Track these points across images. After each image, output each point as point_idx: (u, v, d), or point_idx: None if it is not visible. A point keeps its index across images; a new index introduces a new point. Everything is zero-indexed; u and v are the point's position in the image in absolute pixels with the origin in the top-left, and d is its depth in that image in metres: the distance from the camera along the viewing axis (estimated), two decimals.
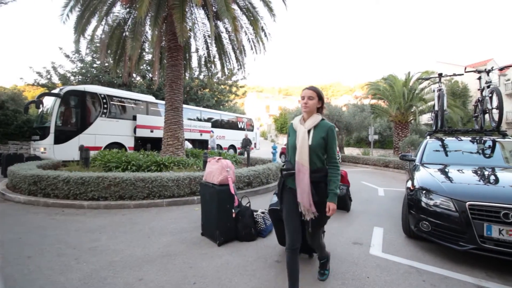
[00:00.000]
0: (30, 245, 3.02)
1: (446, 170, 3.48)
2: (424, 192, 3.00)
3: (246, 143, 14.72)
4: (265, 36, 9.53)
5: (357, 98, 22.48)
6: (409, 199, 3.20)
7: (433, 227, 2.78)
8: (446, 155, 4.29)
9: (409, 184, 3.40)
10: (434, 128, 5.45)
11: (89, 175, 4.78)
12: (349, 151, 23.50)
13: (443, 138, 4.73)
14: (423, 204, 2.94)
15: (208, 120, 15.57)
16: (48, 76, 16.60)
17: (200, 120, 15.03)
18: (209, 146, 13.75)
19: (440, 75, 5.21)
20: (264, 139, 44.11)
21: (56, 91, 10.12)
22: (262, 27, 9.28)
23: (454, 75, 5.22)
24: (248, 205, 3.54)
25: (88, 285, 2.20)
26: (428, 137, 4.83)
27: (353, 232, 3.63)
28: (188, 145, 10.67)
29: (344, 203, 4.57)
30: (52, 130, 9.28)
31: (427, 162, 3.98)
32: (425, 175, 3.30)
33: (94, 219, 3.97)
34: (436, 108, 5.18)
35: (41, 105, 9.84)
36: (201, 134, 14.29)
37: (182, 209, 4.58)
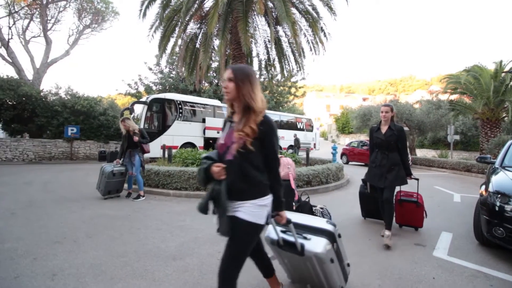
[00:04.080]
0: (137, 220, 3.96)
1: None
2: (499, 196, 2.79)
3: (296, 143, 15.13)
4: (325, 36, 9.54)
5: (432, 93, 19.96)
6: (481, 203, 3.00)
7: (508, 233, 2.60)
8: None
9: (483, 188, 3.17)
10: None
11: (173, 169, 5.80)
12: (423, 153, 21.05)
13: None
14: (497, 209, 2.75)
15: None
16: (136, 87, 19.82)
17: None
18: None
19: None
20: (324, 140, 42.86)
21: (143, 99, 12.15)
22: (321, 27, 9.33)
23: None
24: (307, 200, 3.83)
25: (181, 252, 2.87)
26: None
27: (417, 235, 3.55)
28: None
29: None
30: None
31: (509, 165, 3.58)
32: (503, 179, 3.03)
33: (179, 205, 4.87)
34: None
35: (133, 112, 11.96)
36: None
37: None
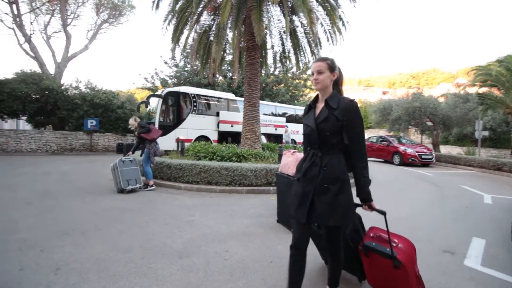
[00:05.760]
0: (147, 213, 3.90)
1: None
2: None
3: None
4: (343, 25, 9.07)
5: (459, 86, 18.75)
6: None
7: None
8: None
9: None
10: None
11: (185, 162, 5.73)
12: (448, 149, 19.97)
13: None
14: None
15: (283, 115, 15.87)
16: (152, 81, 20.04)
17: (275, 115, 15.48)
18: (284, 140, 14.05)
19: None
20: None
21: (159, 92, 12.20)
22: (339, 15, 8.86)
23: None
24: None
25: (187, 249, 2.74)
26: None
27: (444, 240, 3.23)
28: (263, 140, 11.19)
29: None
30: (156, 125, 11.27)
31: None
32: None
33: (189, 199, 4.78)
34: None
35: (148, 105, 12.05)
36: (275, 129, 14.73)
37: (259, 197, 4.98)
